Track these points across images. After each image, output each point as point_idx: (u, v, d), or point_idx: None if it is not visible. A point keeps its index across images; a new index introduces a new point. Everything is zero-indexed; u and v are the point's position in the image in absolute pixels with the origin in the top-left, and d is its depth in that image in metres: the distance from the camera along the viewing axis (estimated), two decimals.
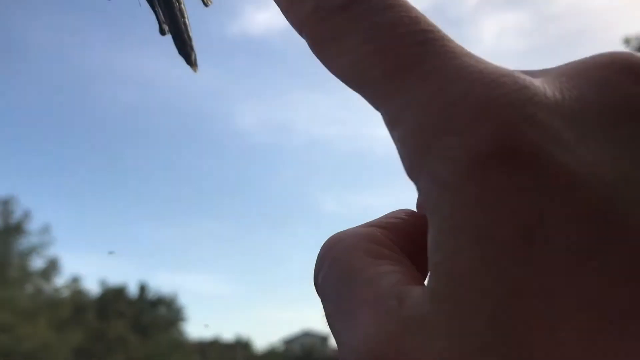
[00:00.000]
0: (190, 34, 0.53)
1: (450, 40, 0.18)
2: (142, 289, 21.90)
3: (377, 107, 0.18)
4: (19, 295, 15.13)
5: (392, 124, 0.18)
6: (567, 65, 0.19)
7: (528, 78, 0.17)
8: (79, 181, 24.56)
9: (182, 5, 0.51)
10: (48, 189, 23.04)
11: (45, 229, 15.84)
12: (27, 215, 15.63)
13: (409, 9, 0.19)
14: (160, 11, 0.53)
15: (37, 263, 15.93)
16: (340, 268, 0.19)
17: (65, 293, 17.22)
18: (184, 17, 0.52)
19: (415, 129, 0.17)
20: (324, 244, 0.21)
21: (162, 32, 0.53)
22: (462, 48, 0.18)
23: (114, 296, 20.35)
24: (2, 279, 14.68)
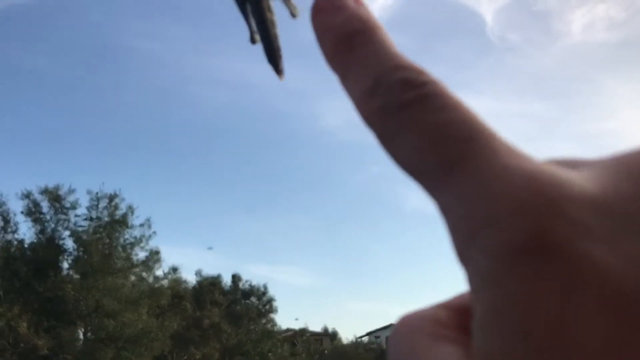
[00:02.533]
0: (280, 44, 0.54)
1: (495, 139, 0.20)
2: (235, 279, 22.87)
3: (431, 197, 0.20)
4: (123, 284, 16.25)
5: (443, 213, 0.19)
6: (613, 156, 0.20)
7: (566, 174, 0.18)
8: (177, 178, 25.86)
9: (274, 17, 0.53)
10: (150, 185, 24.41)
11: (147, 223, 16.95)
12: (131, 209, 16.78)
13: (462, 110, 0.23)
14: (252, 21, 0.55)
15: (140, 254, 17.12)
16: (404, 349, 0.20)
17: (165, 283, 18.27)
18: (274, 28, 0.54)
19: (461, 220, 0.18)
20: (395, 325, 0.22)
21: (253, 41, 0.56)
22: (506, 145, 0.20)
23: (209, 286, 21.37)
24: (108, 269, 15.77)
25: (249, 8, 0.54)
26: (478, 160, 0.19)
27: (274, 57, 0.52)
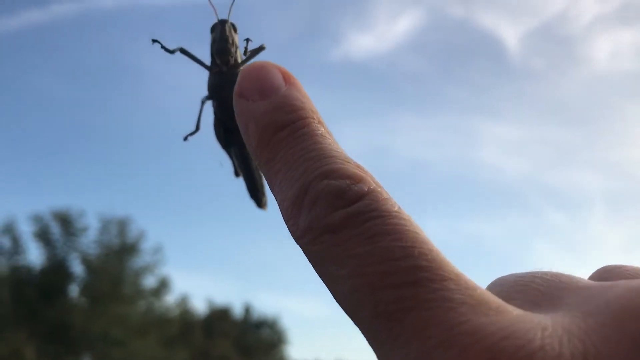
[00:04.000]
0: (263, 182, 0.59)
1: (448, 279, 0.17)
2: (247, 310, 22.42)
3: (371, 347, 0.18)
4: (132, 312, 15.86)
5: None
6: (599, 296, 0.18)
7: (539, 332, 0.16)
8: (189, 203, 25.62)
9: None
10: (162, 209, 24.19)
11: (158, 249, 16.59)
12: (141, 235, 16.46)
13: (404, 234, 0.19)
14: (235, 160, 0.58)
15: (149, 281, 16.71)
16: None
17: (174, 311, 17.88)
18: (258, 170, 0.56)
19: None
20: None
21: (237, 175, 0.61)
22: (464, 289, 0.17)
23: (219, 316, 20.94)
24: (117, 296, 15.43)
25: (232, 150, 0.59)
26: (424, 313, 0.16)
27: (256, 195, 0.59)
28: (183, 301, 18.56)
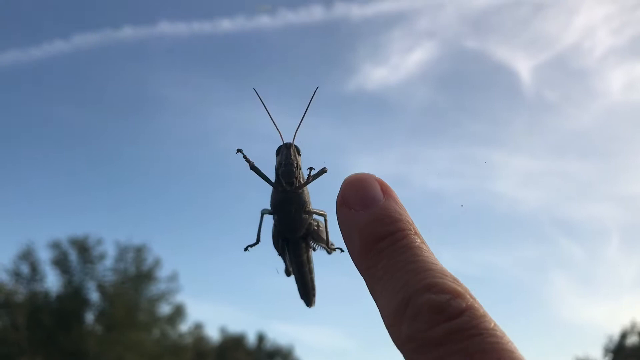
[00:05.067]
0: (314, 285, 0.66)
1: None
2: (260, 339, 22.36)
3: None
4: (147, 339, 15.91)
5: None
6: None
7: None
8: (205, 232, 25.77)
9: (312, 265, 0.64)
10: (177, 238, 24.35)
11: (173, 277, 16.69)
12: (157, 262, 16.58)
13: (501, 353, 0.21)
14: (287, 259, 0.66)
15: (164, 309, 16.79)
16: None
17: (188, 339, 17.89)
18: (311, 273, 0.66)
19: None
20: None
21: (288, 274, 0.69)
22: None
23: (233, 344, 20.90)
24: (132, 323, 15.50)
25: (287, 256, 0.64)
26: None
27: (307, 296, 0.64)
28: (197, 329, 18.59)
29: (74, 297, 15.59)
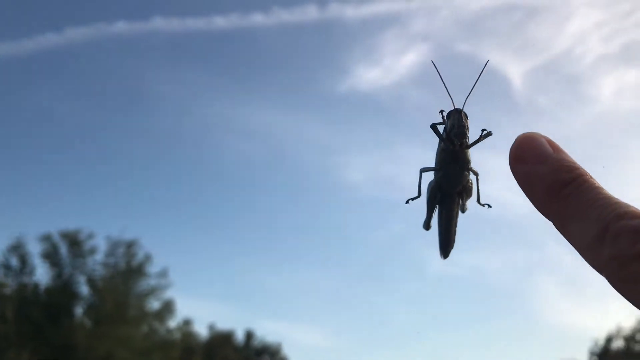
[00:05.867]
0: (455, 238, 0.72)
1: None
2: (249, 336, 22.37)
3: None
4: (135, 334, 15.86)
5: None
6: None
7: None
8: (196, 228, 25.73)
9: (458, 219, 0.69)
10: (169, 233, 24.29)
11: (164, 273, 16.66)
12: (147, 258, 16.54)
13: None
14: (440, 219, 0.70)
15: (154, 304, 16.74)
16: None
17: (177, 335, 17.86)
18: (456, 226, 0.71)
19: None
20: None
21: (426, 228, 0.72)
22: None
23: (221, 341, 20.90)
24: (121, 318, 15.46)
25: (440, 210, 0.68)
26: None
27: (446, 249, 0.67)
28: (186, 325, 18.58)
29: (63, 291, 15.53)
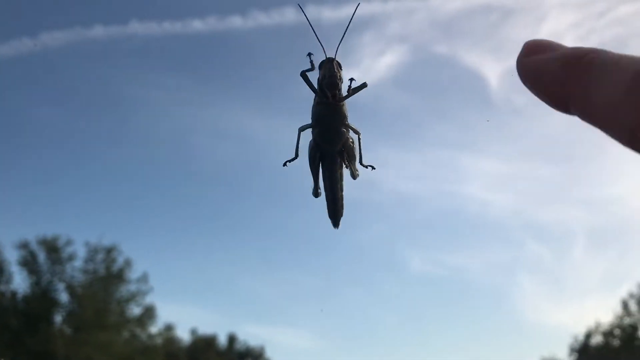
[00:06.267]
0: (344, 203, 0.65)
1: None
2: (231, 340, 22.32)
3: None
4: (116, 340, 15.76)
5: None
6: None
7: None
8: (177, 232, 25.61)
9: (343, 183, 0.65)
10: (149, 238, 24.16)
11: (144, 278, 16.58)
12: (127, 263, 16.45)
13: None
14: (325, 182, 0.64)
15: (134, 310, 16.68)
16: None
17: (158, 340, 17.77)
18: (342, 191, 0.64)
19: None
20: None
21: (315, 195, 0.65)
22: None
23: (204, 346, 20.83)
24: (101, 324, 15.35)
25: (321, 170, 0.63)
26: None
27: (336, 216, 0.63)
28: (167, 331, 18.49)
29: (41, 298, 15.39)
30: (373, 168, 0.65)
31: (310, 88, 0.61)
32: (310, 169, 0.63)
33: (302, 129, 0.62)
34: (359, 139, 0.63)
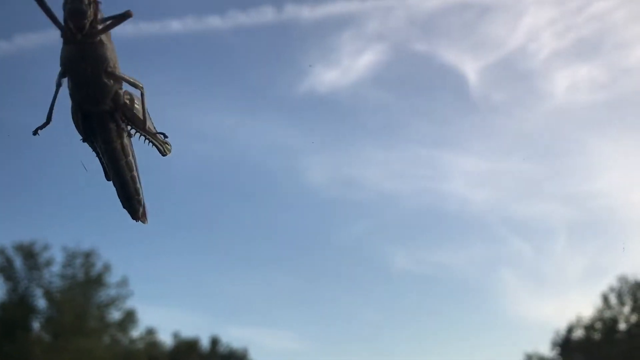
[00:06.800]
0: (139, 186, 0.51)
1: None
2: (214, 342, 22.15)
3: None
4: (97, 345, 15.57)
5: None
6: None
7: None
8: (154, 234, 25.40)
9: (131, 158, 0.49)
10: (127, 241, 23.93)
11: (124, 282, 16.39)
12: (106, 268, 16.26)
13: None
14: (103, 158, 0.49)
15: (115, 315, 16.47)
16: None
17: (140, 345, 17.60)
18: (132, 171, 0.50)
19: None
20: None
21: (108, 178, 0.51)
22: None
23: (186, 349, 20.66)
24: (81, 330, 15.16)
25: (98, 148, 0.47)
26: None
27: (130, 203, 0.48)
28: (149, 335, 18.32)
29: (19, 305, 15.15)
30: (165, 136, 0.49)
31: (49, 18, 0.40)
32: (81, 136, 0.46)
33: (58, 81, 0.44)
34: (143, 95, 0.45)
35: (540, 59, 23.03)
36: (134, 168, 0.46)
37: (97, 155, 0.45)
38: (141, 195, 0.45)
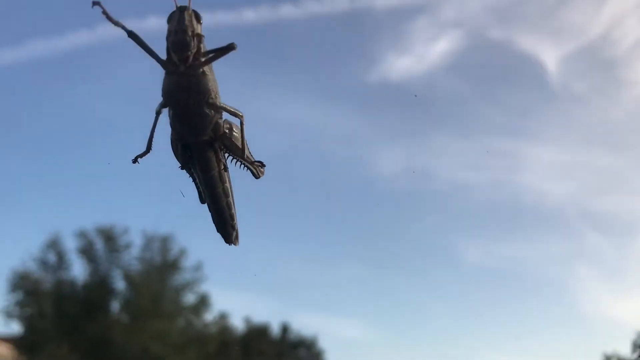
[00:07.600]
0: (234, 212, 0.49)
1: None
2: (285, 329, 22.34)
3: None
4: (171, 328, 15.94)
5: None
6: None
7: None
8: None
9: (227, 185, 0.46)
10: (202, 227, 24.32)
11: (198, 266, 16.69)
12: (182, 252, 16.58)
13: None
14: (200, 185, 0.50)
15: (189, 298, 16.80)
16: None
17: (213, 329, 17.91)
18: (227, 197, 0.48)
19: None
20: None
21: (202, 201, 0.50)
22: None
23: (257, 335, 20.90)
24: (157, 312, 15.55)
25: (195, 174, 0.51)
26: None
27: (224, 228, 0.51)
28: (222, 319, 18.61)
29: (99, 286, 15.67)
30: (263, 165, 0.48)
31: (147, 52, 0.40)
32: (180, 164, 0.47)
33: (159, 109, 0.44)
34: (242, 124, 0.46)
35: (625, 47, 21.85)
36: (230, 194, 0.49)
37: (194, 180, 0.48)
38: (235, 220, 0.48)
